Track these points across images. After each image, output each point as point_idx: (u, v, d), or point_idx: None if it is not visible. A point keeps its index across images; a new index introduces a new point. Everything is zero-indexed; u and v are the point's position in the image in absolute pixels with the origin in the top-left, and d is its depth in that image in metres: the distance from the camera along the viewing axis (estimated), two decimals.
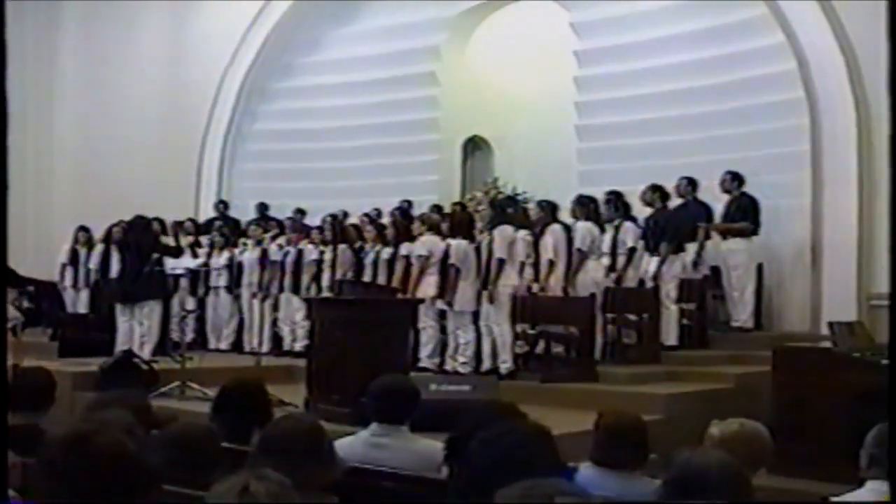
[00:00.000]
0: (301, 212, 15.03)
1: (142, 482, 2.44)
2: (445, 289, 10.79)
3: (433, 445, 4.72)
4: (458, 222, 11.27)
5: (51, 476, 2.41)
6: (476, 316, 10.71)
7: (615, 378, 10.01)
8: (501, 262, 10.47)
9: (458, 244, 10.81)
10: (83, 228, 15.19)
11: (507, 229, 10.70)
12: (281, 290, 13.07)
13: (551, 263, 10.81)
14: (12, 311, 12.15)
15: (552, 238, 10.87)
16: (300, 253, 13.00)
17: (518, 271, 10.73)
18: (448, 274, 10.78)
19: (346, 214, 14.24)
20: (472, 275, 10.69)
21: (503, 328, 10.43)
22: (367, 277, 11.89)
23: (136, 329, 11.62)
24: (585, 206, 11.25)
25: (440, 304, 10.91)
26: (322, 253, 12.74)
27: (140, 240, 11.86)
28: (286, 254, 13.13)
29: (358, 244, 12.56)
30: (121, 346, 11.32)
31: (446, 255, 10.86)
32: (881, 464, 3.86)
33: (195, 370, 10.22)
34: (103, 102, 18.10)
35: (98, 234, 14.84)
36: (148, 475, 2.48)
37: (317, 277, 12.70)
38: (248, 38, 16.67)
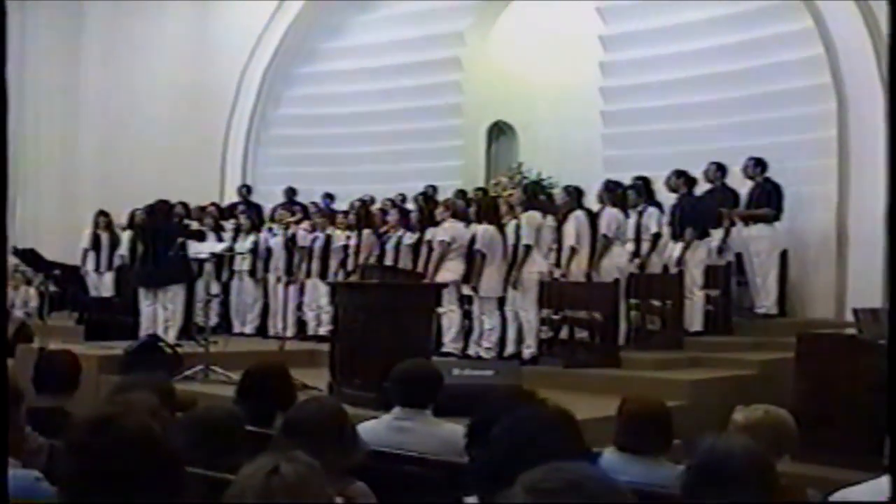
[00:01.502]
0: (330, 196, 15.05)
1: (167, 464, 2.45)
2: (471, 274, 10.77)
3: (456, 430, 4.72)
4: (484, 208, 11.23)
5: (75, 458, 2.42)
6: (502, 301, 10.70)
7: (639, 364, 9.98)
8: (528, 247, 10.45)
9: (484, 229, 10.76)
10: (103, 213, 15.26)
11: (535, 215, 10.68)
12: (308, 274, 13.10)
13: (573, 250, 10.78)
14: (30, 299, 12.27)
15: (574, 224, 10.83)
16: (329, 238, 13.01)
17: (545, 257, 10.72)
18: (474, 259, 10.76)
19: (373, 200, 14.26)
20: (499, 260, 10.65)
21: (530, 314, 10.40)
22: (388, 262, 11.90)
23: (160, 313, 11.61)
24: (613, 192, 11.20)
25: (466, 290, 10.88)
26: (349, 238, 12.75)
27: (162, 224, 11.86)
28: (315, 239, 13.15)
29: (383, 229, 12.56)
30: (145, 330, 11.33)
31: (473, 240, 10.83)
32: None
33: (219, 354, 10.26)
34: (127, 90, 18.16)
35: (121, 219, 14.88)
36: (173, 457, 2.48)
37: (344, 263, 12.72)
38: (271, 23, 16.70)
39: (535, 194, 11.77)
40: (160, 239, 11.60)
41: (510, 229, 10.66)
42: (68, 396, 5.08)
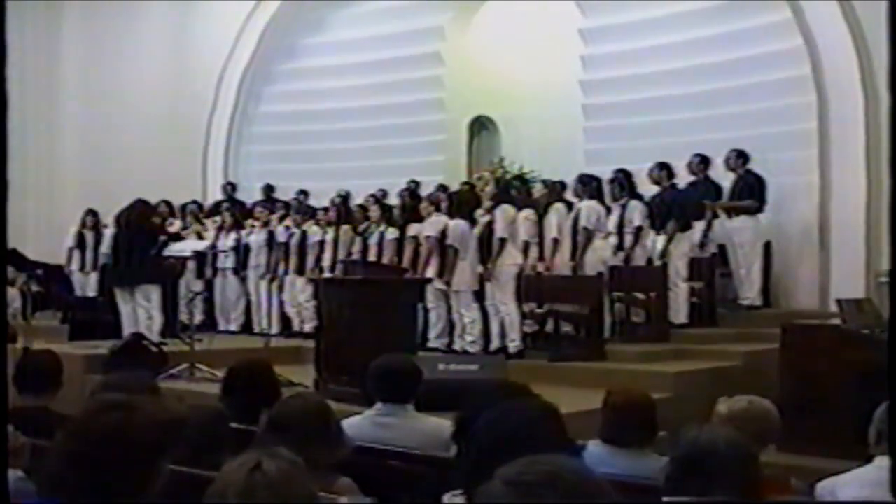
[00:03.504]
0: (304, 192, 14.98)
1: (139, 459, 2.44)
2: (444, 269, 10.75)
3: (439, 423, 4.74)
4: (457, 202, 11.21)
5: (55, 454, 2.42)
6: (479, 295, 10.69)
7: (624, 356, 10.02)
8: (503, 241, 10.44)
9: (455, 224, 10.75)
10: (91, 212, 15.20)
11: (508, 209, 10.69)
12: (287, 271, 13.07)
13: (556, 242, 10.79)
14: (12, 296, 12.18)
15: (556, 217, 10.85)
16: (305, 234, 12.99)
17: (522, 250, 10.72)
18: (447, 254, 10.75)
19: (348, 195, 14.17)
20: (471, 255, 10.64)
21: (510, 307, 10.41)
22: (371, 257, 11.87)
23: (139, 312, 11.47)
24: (588, 185, 11.22)
25: (438, 284, 10.85)
26: (325, 234, 12.72)
27: (145, 223, 11.73)
28: (291, 235, 13.12)
29: (364, 225, 12.51)
30: (127, 329, 11.21)
31: (444, 235, 10.81)
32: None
33: (204, 352, 10.25)
34: (108, 89, 18.05)
35: (107, 218, 14.80)
36: (145, 451, 2.47)
37: (319, 258, 12.67)
38: (251, 20, 16.62)
39: (508, 188, 11.72)
40: (137, 238, 11.47)
41: (483, 223, 10.64)
42: (51, 396, 5.08)
